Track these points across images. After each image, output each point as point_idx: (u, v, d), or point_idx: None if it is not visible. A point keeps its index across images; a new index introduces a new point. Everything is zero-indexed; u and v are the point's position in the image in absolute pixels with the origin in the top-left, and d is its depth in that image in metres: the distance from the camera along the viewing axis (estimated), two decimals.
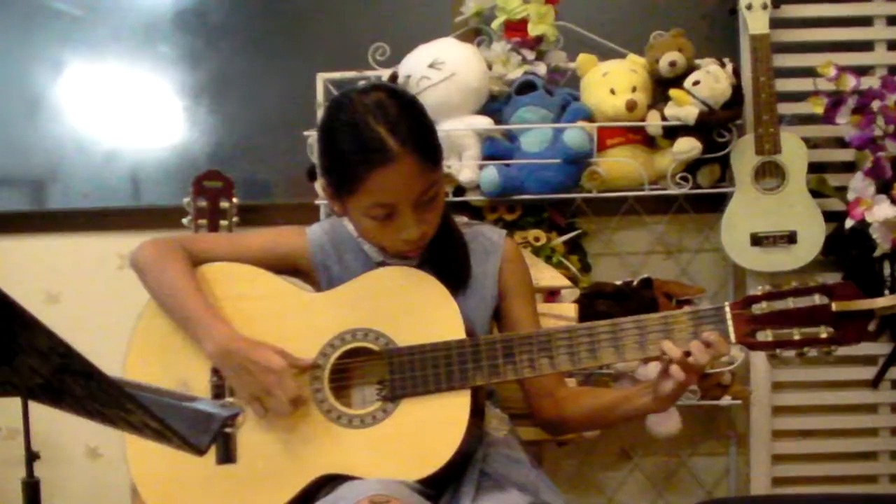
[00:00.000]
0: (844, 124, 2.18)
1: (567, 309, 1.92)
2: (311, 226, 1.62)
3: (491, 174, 2.18)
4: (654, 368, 2.06)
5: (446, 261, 1.53)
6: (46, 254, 2.51)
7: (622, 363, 2.06)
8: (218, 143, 2.57)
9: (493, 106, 2.28)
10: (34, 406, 1.11)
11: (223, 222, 2.25)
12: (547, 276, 2.00)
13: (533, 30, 2.23)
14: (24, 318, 0.96)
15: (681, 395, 1.40)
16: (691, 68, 2.20)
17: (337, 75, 2.34)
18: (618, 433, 2.41)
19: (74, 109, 2.57)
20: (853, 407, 2.38)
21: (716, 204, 2.35)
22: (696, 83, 2.16)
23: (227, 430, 1.43)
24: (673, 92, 2.17)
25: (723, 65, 2.20)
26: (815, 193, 2.25)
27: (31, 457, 1.13)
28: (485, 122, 2.22)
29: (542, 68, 2.28)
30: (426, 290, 1.43)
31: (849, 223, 2.16)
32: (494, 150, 2.21)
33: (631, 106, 2.19)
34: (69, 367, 1.01)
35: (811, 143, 2.30)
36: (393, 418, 1.39)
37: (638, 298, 2.17)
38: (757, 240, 2.24)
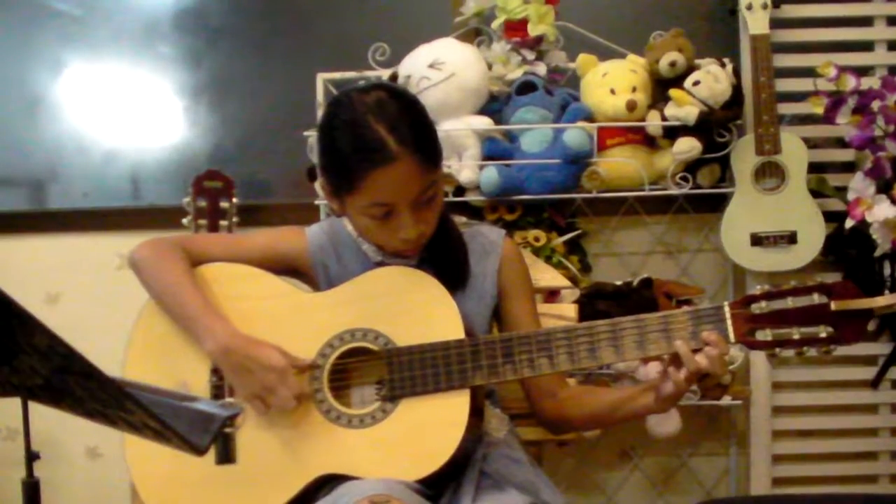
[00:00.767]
0: (844, 124, 2.18)
1: (567, 309, 1.92)
2: (310, 226, 1.62)
3: (491, 174, 2.18)
4: (653, 368, 2.07)
5: (445, 260, 1.54)
6: (46, 254, 2.51)
7: (622, 363, 2.07)
8: (218, 143, 2.57)
9: (493, 106, 2.28)
10: (34, 406, 1.11)
11: (223, 222, 2.25)
12: (547, 276, 2.00)
13: (533, 30, 2.23)
14: (24, 318, 0.96)
15: (682, 396, 1.40)
16: (691, 68, 2.20)
17: (337, 75, 2.34)
18: (618, 433, 2.41)
19: (74, 109, 2.57)
20: (853, 407, 2.38)
21: (716, 204, 2.35)
22: (696, 83, 2.16)
23: (227, 430, 1.44)
24: (673, 92, 2.17)
25: (723, 65, 2.21)
26: (815, 193, 2.25)
27: (31, 457, 1.13)
28: (485, 122, 2.22)
29: (542, 68, 2.28)
30: (425, 289, 1.43)
31: (849, 223, 2.16)
32: (494, 150, 2.21)
33: (631, 106, 2.19)
34: (69, 367, 1.01)
35: (811, 143, 2.30)
36: (392, 418, 1.39)
37: (638, 298, 2.18)
38: (757, 240, 2.24)
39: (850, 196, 2.18)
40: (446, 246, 1.54)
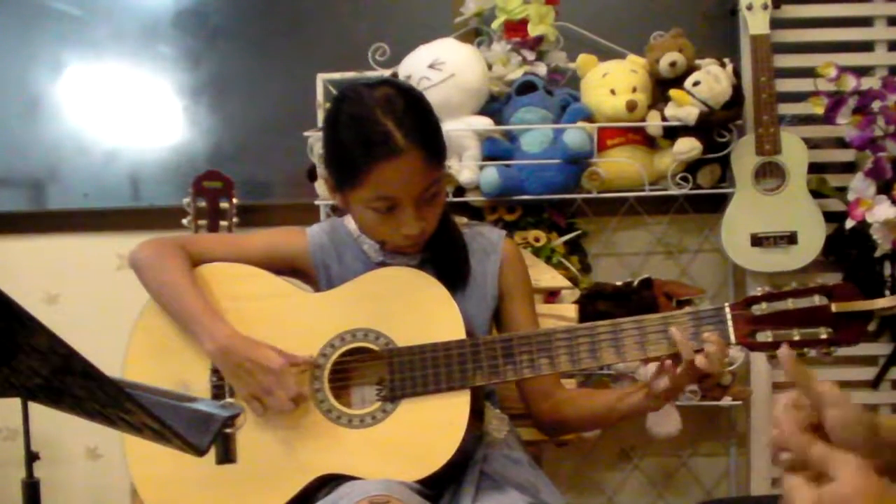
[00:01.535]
0: (845, 125, 2.18)
1: (567, 309, 1.92)
2: (310, 226, 1.62)
3: (491, 174, 2.18)
4: (653, 369, 2.07)
5: (446, 261, 1.54)
6: (46, 254, 2.51)
7: (622, 364, 2.06)
8: (218, 143, 2.57)
9: (493, 106, 2.28)
10: (34, 406, 1.11)
11: (223, 222, 2.25)
12: (547, 276, 2.00)
13: (533, 30, 2.23)
14: (24, 318, 0.96)
15: (676, 395, 1.40)
16: (691, 68, 2.20)
17: (337, 76, 2.34)
18: (618, 433, 2.41)
19: (74, 109, 2.57)
20: None
21: (716, 204, 2.36)
22: (696, 83, 2.16)
23: (227, 430, 1.43)
24: (673, 92, 2.17)
25: (723, 65, 2.21)
26: (816, 194, 2.25)
27: (31, 457, 1.13)
28: (485, 123, 2.22)
29: (542, 69, 2.28)
30: (426, 290, 1.43)
31: (849, 223, 2.16)
32: (494, 150, 2.21)
33: (631, 106, 2.19)
34: (69, 367, 1.01)
35: (811, 144, 2.30)
36: (393, 418, 1.39)
37: (638, 299, 2.18)
38: (757, 240, 2.24)
39: (851, 196, 2.18)
40: (447, 246, 1.54)
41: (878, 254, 2.18)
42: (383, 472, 1.34)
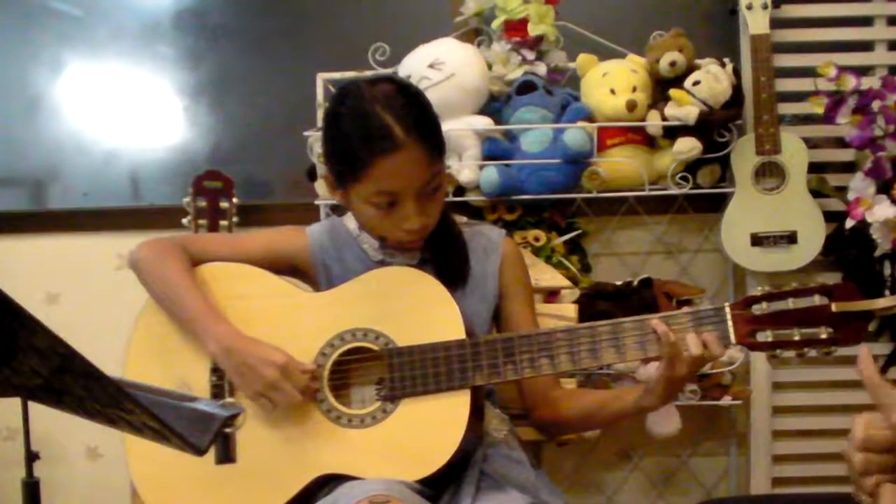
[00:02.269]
0: (844, 124, 2.18)
1: (567, 309, 1.92)
2: (310, 226, 1.62)
3: (491, 174, 2.18)
4: (654, 369, 2.07)
5: (446, 260, 1.54)
6: (46, 254, 2.51)
7: (622, 364, 2.06)
8: (218, 143, 2.57)
9: (493, 106, 2.28)
10: (34, 406, 1.11)
11: (223, 222, 2.25)
12: (547, 276, 2.00)
13: (533, 30, 2.23)
14: (24, 318, 0.96)
15: (673, 393, 1.39)
16: (691, 68, 2.20)
17: (337, 75, 2.34)
18: (618, 433, 2.41)
19: (74, 109, 2.57)
20: (853, 407, 2.38)
21: (716, 204, 2.36)
22: (696, 83, 2.16)
23: (227, 429, 1.43)
24: (673, 92, 2.17)
25: (723, 65, 2.21)
26: (816, 193, 2.25)
27: (31, 457, 1.13)
28: (485, 122, 2.22)
29: (542, 68, 2.28)
30: (426, 289, 1.43)
31: (849, 223, 2.16)
32: (494, 150, 2.21)
33: (631, 106, 2.19)
34: (69, 367, 1.01)
35: (811, 143, 2.30)
36: (393, 418, 1.39)
37: (638, 299, 2.18)
38: (757, 240, 2.24)
39: (850, 196, 2.18)
40: (447, 245, 1.54)
41: (877, 253, 2.18)
42: (383, 471, 1.34)
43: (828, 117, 2.18)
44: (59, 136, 2.57)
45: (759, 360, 2.31)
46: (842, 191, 2.24)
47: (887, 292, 2.21)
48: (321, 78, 2.35)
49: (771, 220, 2.23)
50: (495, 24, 2.28)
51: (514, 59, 2.26)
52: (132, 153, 2.57)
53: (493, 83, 2.26)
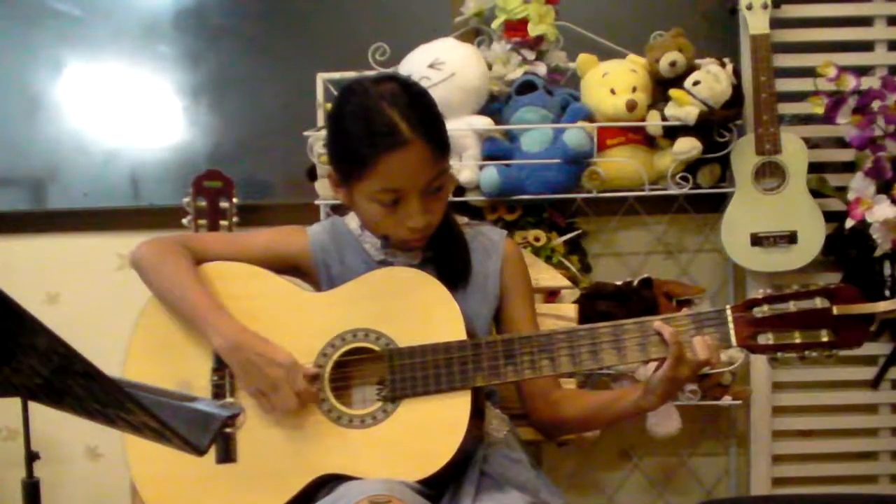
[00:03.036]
0: (844, 124, 2.18)
1: (567, 309, 1.92)
2: (311, 225, 1.62)
3: (491, 174, 2.18)
4: (653, 369, 2.07)
5: (447, 260, 1.54)
6: (46, 254, 2.51)
7: (623, 365, 2.06)
8: (218, 143, 2.57)
9: (493, 106, 2.28)
10: (34, 406, 1.11)
11: (223, 222, 2.25)
12: (547, 276, 2.00)
13: (533, 30, 2.23)
14: (24, 318, 0.96)
15: (673, 393, 1.40)
16: (691, 68, 2.20)
17: (337, 75, 2.34)
18: (618, 433, 2.41)
19: (74, 109, 2.57)
20: (853, 407, 2.38)
21: (716, 204, 2.36)
22: (696, 83, 2.16)
23: (227, 429, 1.43)
24: (673, 92, 2.17)
25: (723, 65, 2.21)
26: (816, 193, 2.25)
27: (31, 457, 1.13)
28: (485, 122, 2.22)
29: (542, 68, 2.28)
30: (427, 290, 1.43)
31: (849, 223, 2.16)
32: (494, 150, 2.21)
33: (631, 106, 2.19)
34: (69, 367, 1.01)
35: (811, 143, 2.30)
36: (393, 419, 1.39)
37: (638, 299, 2.17)
38: (757, 240, 2.24)
39: (851, 196, 2.18)
40: (448, 245, 1.54)
41: (877, 253, 2.18)
42: (384, 472, 1.34)
43: (828, 117, 2.19)
44: (59, 136, 2.57)
45: (759, 360, 2.31)
46: (842, 191, 2.24)
47: (887, 292, 2.21)
48: (321, 78, 2.35)
49: (771, 220, 2.23)
50: (495, 24, 2.28)
51: (514, 59, 2.26)
52: (132, 153, 2.57)
53: (493, 83, 2.26)
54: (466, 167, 2.20)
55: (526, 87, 2.24)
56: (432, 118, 1.43)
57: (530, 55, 2.27)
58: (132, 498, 1.53)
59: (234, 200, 2.27)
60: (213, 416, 1.10)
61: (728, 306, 1.35)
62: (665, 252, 2.44)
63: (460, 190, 2.24)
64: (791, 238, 2.23)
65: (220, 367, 1.47)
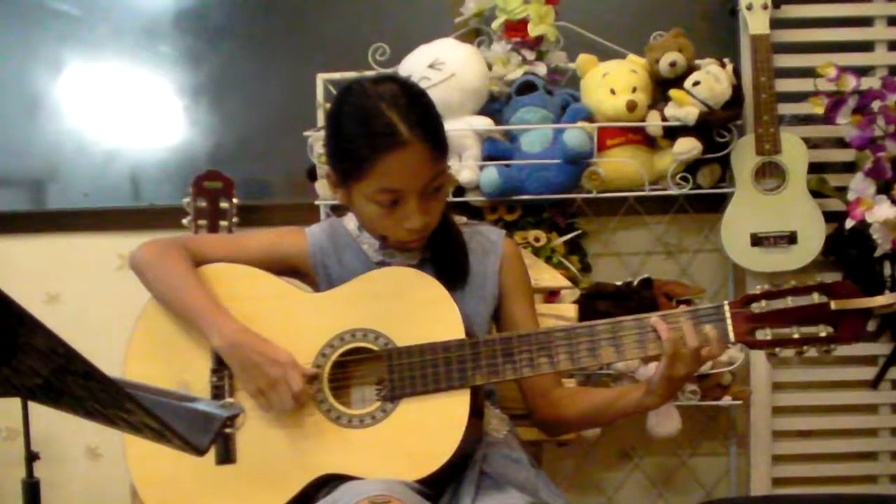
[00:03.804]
0: (845, 124, 2.18)
1: (567, 309, 1.92)
2: (310, 226, 1.62)
3: (491, 174, 2.18)
4: (654, 369, 2.07)
5: (446, 260, 1.54)
6: (46, 254, 2.51)
7: (622, 363, 2.07)
8: (218, 143, 2.57)
9: (493, 106, 2.28)
10: (34, 406, 1.11)
11: (223, 222, 2.25)
12: (547, 276, 2.00)
13: (533, 30, 2.23)
14: (24, 318, 0.96)
15: (673, 392, 1.40)
16: (691, 68, 2.20)
17: (337, 75, 2.34)
18: (618, 433, 2.41)
19: (74, 109, 2.57)
20: (853, 407, 2.38)
21: (716, 204, 2.36)
22: (696, 83, 2.16)
23: (227, 430, 1.43)
24: (673, 92, 2.17)
25: (723, 65, 2.21)
26: (816, 193, 2.26)
27: (31, 457, 1.13)
28: (485, 123, 2.22)
29: (542, 69, 2.28)
30: (425, 290, 1.43)
31: (849, 223, 2.17)
32: (494, 150, 2.21)
33: (631, 106, 2.19)
34: (69, 367, 1.01)
35: (811, 144, 2.30)
36: (392, 418, 1.39)
37: (638, 299, 2.17)
38: (757, 240, 2.24)
39: (851, 196, 2.18)
40: (447, 245, 1.54)
41: (877, 254, 2.18)
42: (383, 472, 1.34)
43: (828, 117, 2.19)
44: (59, 136, 2.57)
45: (759, 360, 2.31)
46: (842, 191, 2.24)
47: (887, 292, 2.21)
48: (321, 78, 2.35)
49: (771, 221, 2.23)
50: (495, 24, 2.28)
51: (514, 59, 2.26)
52: (132, 153, 2.57)
53: (493, 83, 2.26)
54: (466, 167, 2.20)
55: (526, 87, 2.24)
56: (431, 119, 1.43)
57: (530, 55, 2.27)
58: (132, 498, 1.53)
59: (234, 201, 2.27)
60: (213, 416, 1.10)
61: (726, 302, 1.35)
62: (665, 252, 2.44)
63: (460, 190, 2.24)
64: (791, 238, 2.23)
65: (219, 368, 1.47)
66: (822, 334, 1.31)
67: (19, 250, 2.52)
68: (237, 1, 2.59)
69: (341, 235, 1.58)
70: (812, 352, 1.32)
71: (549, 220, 2.30)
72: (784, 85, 2.29)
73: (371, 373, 1.46)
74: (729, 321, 1.34)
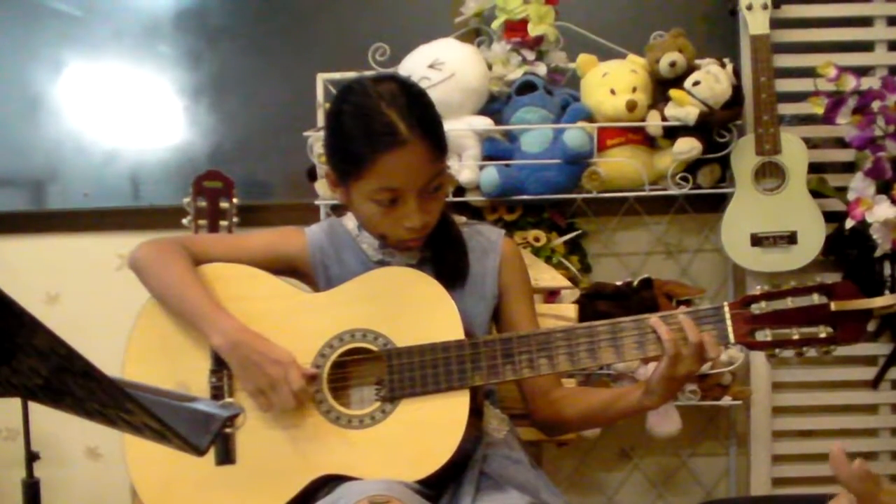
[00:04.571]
0: (844, 124, 2.18)
1: (567, 309, 1.92)
2: (309, 226, 1.62)
3: (491, 174, 2.18)
4: (653, 369, 2.07)
5: (445, 260, 1.54)
6: (46, 254, 2.51)
7: (622, 364, 2.06)
8: (218, 143, 2.57)
9: (493, 106, 2.28)
10: (34, 406, 1.11)
11: (223, 222, 2.25)
12: (547, 276, 2.00)
13: (533, 30, 2.23)
14: (24, 318, 0.96)
15: (673, 392, 1.39)
16: (691, 68, 2.20)
17: (337, 75, 2.34)
18: (618, 433, 2.41)
19: (74, 109, 2.58)
20: (853, 407, 2.38)
21: (716, 204, 2.36)
22: (696, 83, 2.16)
23: (227, 430, 1.43)
24: (673, 92, 2.17)
25: (723, 65, 2.21)
26: (816, 193, 2.25)
27: (31, 457, 1.13)
28: (485, 123, 2.22)
29: (542, 69, 2.28)
30: (425, 290, 1.43)
31: (849, 223, 2.17)
32: (494, 150, 2.21)
33: (631, 106, 2.19)
34: (69, 367, 1.01)
35: (811, 144, 2.30)
36: (392, 419, 1.39)
37: (638, 299, 2.17)
38: (757, 240, 2.24)
39: (851, 196, 2.18)
40: (446, 245, 1.54)
41: (877, 254, 2.18)
42: (383, 472, 1.34)
43: (828, 117, 2.19)
44: (59, 137, 2.57)
45: (759, 360, 2.31)
46: (842, 191, 2.24)
47: (887, 292, 2.21)
48: (321, 78, 2.35)
49: (771, 221, 2.23)
50: (495, 24, 2.28)
51: (514, 59, 2.26)
52: (132, 153, 2.58)
53: (493, 83, 2.26)
54: (466, 167, 2.20)
55: (526, 87, 2.24)
56: (431, 118, 1.43)
57: (530, 55, 2.27)
58: (132, 498, 1.53)
59: (234, 201, 2.27)
60: (213, 416, 1.10)
61: (725, 303, 1.35)
62: (665, 252, 2.44)
63: (460, 190, 2.24)
64: (791, 238, 2.23)
65: (218, 368, 1.47)
66: (822, 335, 1.31)
67: (19, 250, 2.52)
68: (237, 1, 2.59)
69: (341, 235, 1.58)
70: (812, 352, 1.32)
71: (549, 220, 2.30)
72: (784, 85, 2.29)
73: (370, 373, 1.46)
74: (729, 322, 1.34)
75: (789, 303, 1.32)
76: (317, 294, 1.54)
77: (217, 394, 1.48)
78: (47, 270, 2.50)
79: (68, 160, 2.58)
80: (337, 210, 2.00)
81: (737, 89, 2.20)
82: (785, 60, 2.32)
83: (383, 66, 2.29)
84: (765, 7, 2.23)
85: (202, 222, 2.25)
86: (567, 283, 2.04)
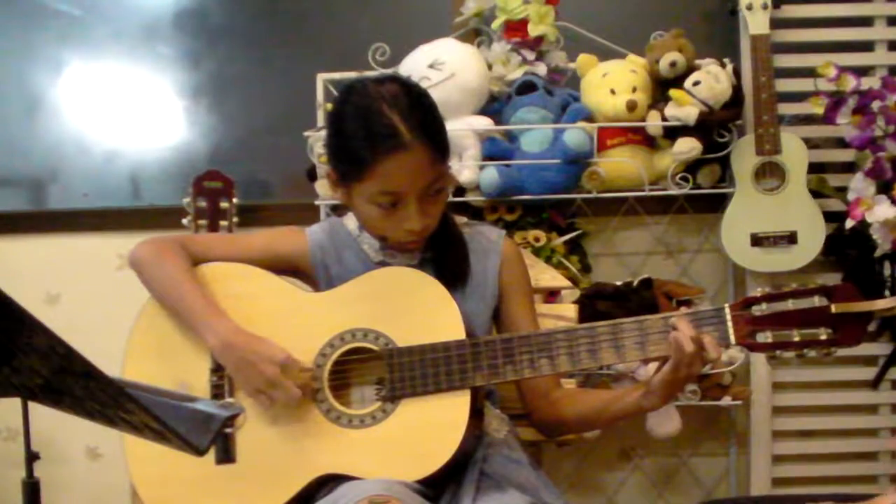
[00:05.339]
0: (845, 124, 2.18)
1: (567, 309, 1.92)
2: (310, 226, 1.62)
3: (491, 174, 2.18)
4: (653, 369, 2.07)
5: (446, 260, 1.54)
6: (46, 254, 2.51)
7: (622, 364, 2.06)
8: (218, 143, 2.57)
9: (493, 106, 2.28)
10: (34, 406, 1.11)
11: (223, 222, 2.25)
12: (547, 276, 2.00)
13: (533, 30, 2.23)
14: (24, 318, 0.96)
15: (674, 393, 1.40)
16: (691, 68, 2.20)
17: (337, 75, 2.34)
18: (618, 433, 2.41)
19: (74, 109, 2.57)
20: (853, 407, 2.38)
21: (716, 204, 2.36)
22: (696, 83, 2.16)
23: (227, 430, 1.43)
24: (673, 92, 2.17)
25: (723, 65, 2.21)
26: (816, 194, 2.25)
27: (31, 457, 1.13)
28: (485, 123, 2.22)
29: (542, 68, 2.28)
30: (426, 290, 1.43)
31: (849, 223, 2.16)
32: (494, 150, 2.21)
33: (631, 106, 2.19)
34: (69, 367, 1.01)
35: (811, 144, 2.30)
36: (392, 418, 1.39)
37: (638, 299, 2.17)
38: (757, 240, 2.24)
39: (850, 196, 2.18)
40: (447, 245, 1.54)
41: (877, 254, 2.18)
42: (383, 472, 1.34)
43: (828, 117, 2.19)
44: (59, 136, 2.57)
45: (759, 360, 2.31)
46: (842, 191, 2.24)
47: (887, 293, 2.21)
48: (321, 78, 2.36)
49: (771, 221, 2.23)
50: (495, 24, 2.28)
51: (514, 59, 2.26)
52: (132, 153, 2.57)
53: (493, 83, 2.26)
54: (466, 167, 2.20)
55: (526, 87, 2.24)
56: (433, 121, 1.42)
57: (530, 55, 2.27)
58: (132, 498, 1.53)
59: (234, 200, 2.27)
60: (213, 416, 1.10)
61: (726, 305, 1.35)
62: (665, 252, 2.44)
63: (460, 190, 2.24)
64: (791, 238, 2.23)
65: (218, 367, 1.47)
66: (823, 337, 1.31)
67: (19, 250, 2.52)
68: (237, 1, 2.59)
69: (341, 235, 1.58)
70: (812, 354, 1.32)
71: (549, 220, 2.30)
72: (784, 85, 2.29)
73: (371, 373, 1.46)
74: (730, 324, 1.34)
75: (790, 305, 1.32)
76: (318, 293, 1.54)
77: (217, 393, 1.48)
78: (47, 270, 2.50)
79: (68, 160, 2.57)
80: (337, 210, 2.00)
81: (737, 89, 2.20)
82: (785, 60, 2.32)
83: (383, 66, 2.29)
84: (765, 7, 2.23)
85: (202, 222, 2.25)
86: (567, 283, 2.04)
